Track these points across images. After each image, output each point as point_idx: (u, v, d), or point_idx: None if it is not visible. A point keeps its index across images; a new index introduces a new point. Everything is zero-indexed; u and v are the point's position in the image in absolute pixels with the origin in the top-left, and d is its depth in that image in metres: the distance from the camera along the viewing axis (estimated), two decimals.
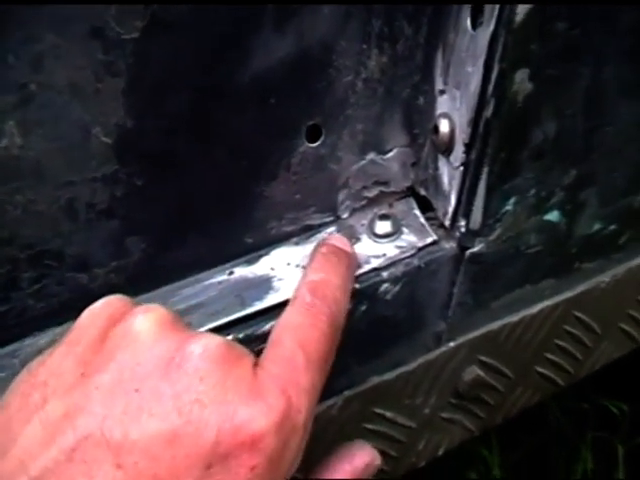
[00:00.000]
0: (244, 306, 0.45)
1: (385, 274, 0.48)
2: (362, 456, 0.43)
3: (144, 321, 0.34)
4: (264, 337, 0.44)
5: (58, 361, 0.33)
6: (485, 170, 0.45)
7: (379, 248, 0.49)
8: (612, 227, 0.56)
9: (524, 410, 0.65)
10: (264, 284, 0.47)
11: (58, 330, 0.45)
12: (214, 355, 0.32)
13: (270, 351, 0.36)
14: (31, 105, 0.36)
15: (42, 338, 0.44)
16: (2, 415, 0.32)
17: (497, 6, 0.39)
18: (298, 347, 0.36)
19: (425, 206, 0.51)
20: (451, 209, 0.48)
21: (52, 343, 0.44)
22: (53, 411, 0.31)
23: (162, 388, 0.31)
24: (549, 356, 0.61)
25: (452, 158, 0.46)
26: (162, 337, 0.33)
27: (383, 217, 0.49)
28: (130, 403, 0.30)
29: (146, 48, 0.37)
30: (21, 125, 0.36)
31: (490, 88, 0.42)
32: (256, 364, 0.34)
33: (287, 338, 0.36)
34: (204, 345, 0.33)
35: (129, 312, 0.35)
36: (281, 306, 0.45)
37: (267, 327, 0.45)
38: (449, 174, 0.47)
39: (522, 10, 0.39)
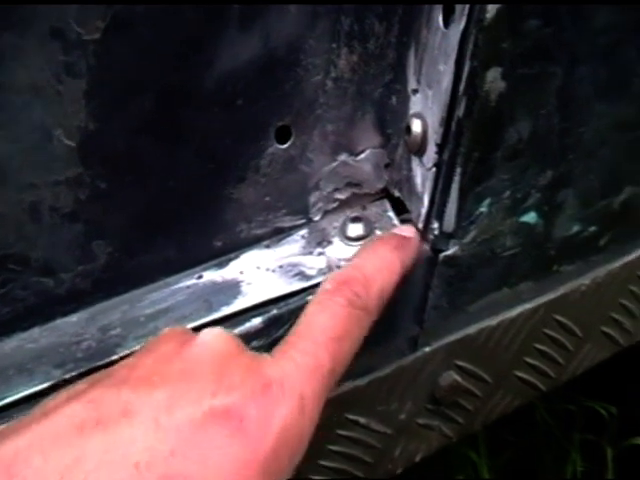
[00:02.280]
0: (211, 311, 0.45)
1: None
2: None
3: (170, 331, 0.39)
4: None
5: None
6: (458, 171, 0.44)
7: (351, 251, 0.48)
8: (591, 229, 0.56)
9: (510, 413, 0.65)
10: (233, 288, 0.46)
11: (24, 335, 0.44)
12: (220, 338, 0.36)
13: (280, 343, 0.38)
14: None
15: (8, 343, 0.44)
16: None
17: (468, 3, 0.39)
18: (303, 330, 0.38)
19: (400, 208, 0.51)
20: (424, 211, 0.47)
21: (18, 349, 0.44)
22: (78, 387, 0.35)
23: (171, 366, 0.35)
24: (529, 360, 0.61)
25: (425, 159, 0.45)
26: (181, 332, 0.38)
27: (355, 219, 0.49)
28: (148, 376, 0.35)
29: (108, 49, 0.36)
30: None
31: (462, 87, 0.41)
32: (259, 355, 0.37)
33: (295, 327, 0.39)
34: (212, 331, 0.37)
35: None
36: (249, 311, 0.46)
37: (235, 332, 0.44)
38: (422, 175, 0.46)
39: (493, 8, 0.38)
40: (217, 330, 0.37)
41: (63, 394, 0.35)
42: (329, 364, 0.37)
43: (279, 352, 0.37)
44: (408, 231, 0.47)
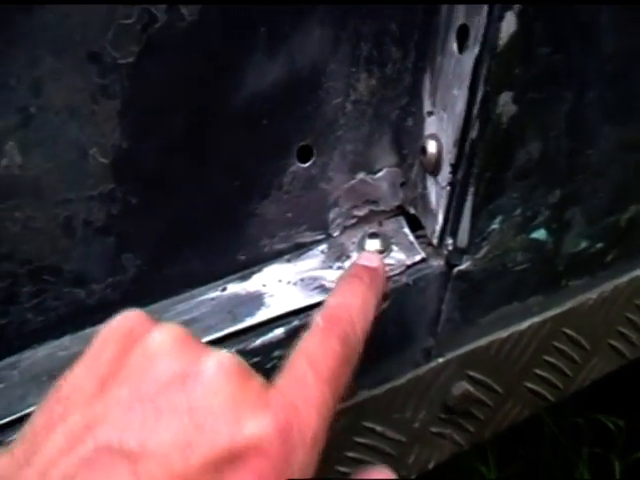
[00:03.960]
0: (236, 322, 0.46)
1: None
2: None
3: (161, 338, 0.35)
4: (255, 352, 0.46)
5: (80, 376, 0.35)
6: (471, 190, 0.46)
7: None
8: (598, 245, 0.57)
9: (519, 425, 0.66)
10: (256, 300, 0.48)
11: (56, 343, 0.45)
12: (227, 370, 0.34)
13: (282, 373, 0.37)
14: (31, 126, 0.37)
15: (40, 351, 0.45)
16: (29, 428, 0.33)
17: (482, 30, 0.40)
18: (307, 365, 0.37)
19: (415, 224, 0.52)
20: (439, 227, 0.49)
21: (50, 356, 0.46)
22: (74, 422, 0.32)
23: (178, 401, 0.32)
24: (538, 372, 0.62)
25: (439, 178, 0.47)
26: (178, 353, 0.35)
27: (373, 235, 0.50)
28: (147, 415, 0.32)
29: (141, 72, 0.38)
30: (21, 145, 0.37)
31: (475, 110, 0.43)
32: (268, 384, 0.35)
33: (298, 360, 0.37)
34: (218, 361, 0.34)
35: (147, 330, 0.36)
36: (272, 322, 0.47)
37: (258, 342, 0.46)
38: (437, 193, 0.48)
39: (506, 34, 0.40)
40: (225, 356, 0.35)
41: (59, 431, 0.32)
42: (331, 399, 0.36)
43: (286, 386, 0.35)
44: (374, 260, 0.47)
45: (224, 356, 0.35)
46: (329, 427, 0.36)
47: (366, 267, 0.46)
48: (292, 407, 0.34)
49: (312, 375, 0.36)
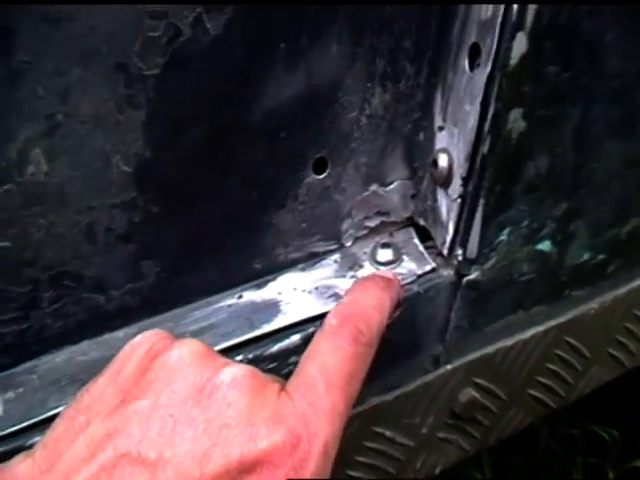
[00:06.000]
0: (253, 328, 0.47)
1: None
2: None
3: (180, 353, 0.37)
4: (272, 358, 0.47)
5: (101, 389, 0.37)
6: (481, 202, 0.47)
7: None
8: (600, 257, 0.59)
9: (517, 433, 0.67)
10: (272, 308, 0.49)
11: (74, 348, 0.46)
12: (241, 384, 0.35)
13: (294, 378, 0.38)
14: (57, 134, 0.38)
15: (59, 356, 0.46)
16: (51, 436, 0.35)
17: (494, 49, 0.42)
18: (318, 372, 0.38)
19: (424, 235, 0.53)
20: (449, 238, 0.50)
21: (69, 361, 0.47)
22: (96, 432, 0.34)
23: (194, 414, 0.34)
24: (541, 379, 0.63)
25: (450, 191, 0.49)
26: (195, 367, 0.36)
27: (384, 245, 0.52)
28: (165, 426, 0.33)
29: (166, 83, 0.39)
30: (47, 153, 0.38)
31: (486, 126, 0.44)
32: (282, 389, 0.37)
33: (309, 364, 0.39)
34: (232, 375, 0.36)
35: (167, 346, 0.38)
36: (288, 328, 0.48)
37: (275, 348, 0.47)
38: (447, 206, 0.49)
39: (517, 54, 0.42)
40: (238, 367, 0.36)
41: (81, 439, 0.33)
42: (343, 404, 0.38)
43: (298, 394, 0.37)
44: (389, 274, 0.49)
45: (238, 368, 0.36)
46: (342, 431, 0.38)
47: (380, 275, 0.47)
48: (303, 418, 0.35)
49: (323, 383, 0.38)
